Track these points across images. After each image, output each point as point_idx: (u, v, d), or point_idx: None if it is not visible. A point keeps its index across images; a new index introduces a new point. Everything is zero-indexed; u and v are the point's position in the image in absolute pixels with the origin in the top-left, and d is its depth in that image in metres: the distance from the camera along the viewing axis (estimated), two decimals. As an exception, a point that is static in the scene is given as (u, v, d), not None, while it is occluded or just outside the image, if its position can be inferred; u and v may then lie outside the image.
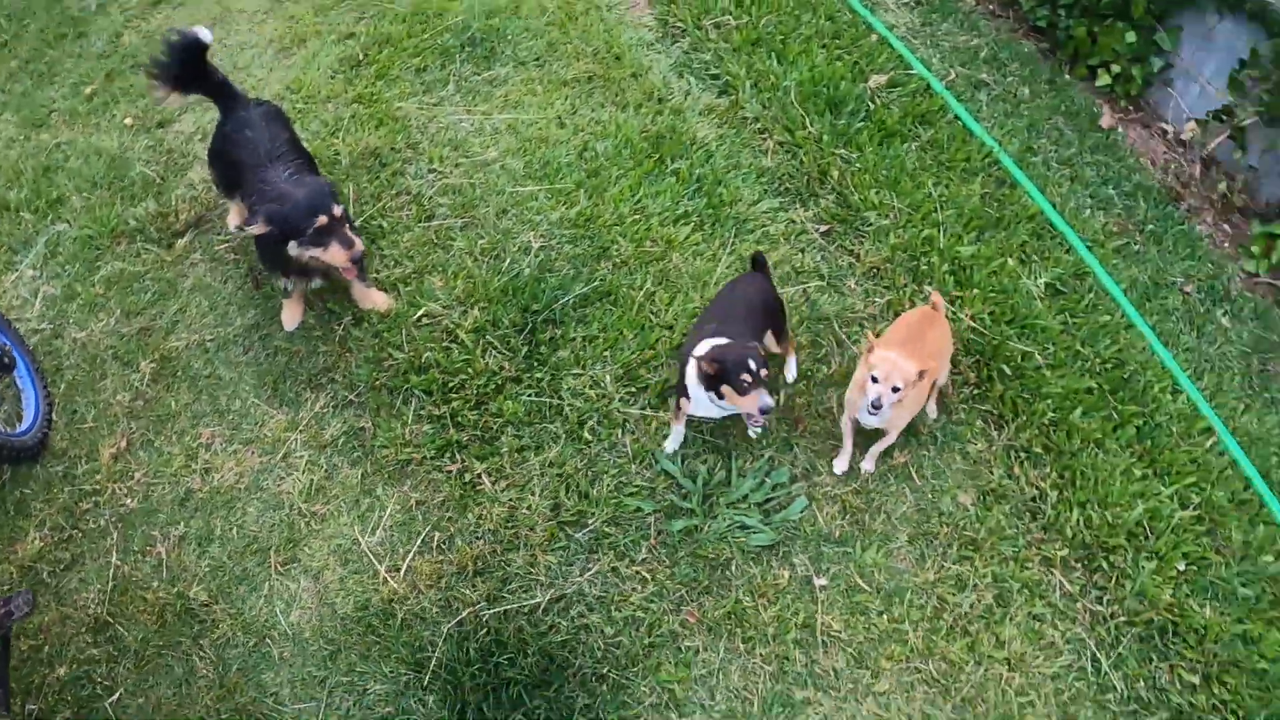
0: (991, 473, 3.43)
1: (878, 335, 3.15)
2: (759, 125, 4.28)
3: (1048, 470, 3.42)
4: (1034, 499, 3.38)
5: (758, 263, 3.40)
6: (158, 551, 3.46)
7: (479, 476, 3.42)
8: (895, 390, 2.96)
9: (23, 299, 4.19)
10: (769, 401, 2.94)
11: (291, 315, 3.82)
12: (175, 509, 3.53)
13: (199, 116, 4.64)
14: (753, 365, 2.89)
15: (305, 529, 3.44)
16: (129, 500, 3.56)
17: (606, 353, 3.61)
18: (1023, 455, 3.46)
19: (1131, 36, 4.37)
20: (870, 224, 3.98)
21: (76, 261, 4.22)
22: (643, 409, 3.51)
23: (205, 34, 3.61)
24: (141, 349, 3.89)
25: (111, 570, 3.44)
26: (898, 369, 2.95)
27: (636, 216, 3.93)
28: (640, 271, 3.80)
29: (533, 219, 3.94)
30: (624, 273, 3.79)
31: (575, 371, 3.58)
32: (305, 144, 4.09)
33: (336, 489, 3.49)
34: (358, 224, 3.96)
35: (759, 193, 4.06)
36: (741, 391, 2.92)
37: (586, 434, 3.45)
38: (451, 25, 4.71)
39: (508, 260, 3.83)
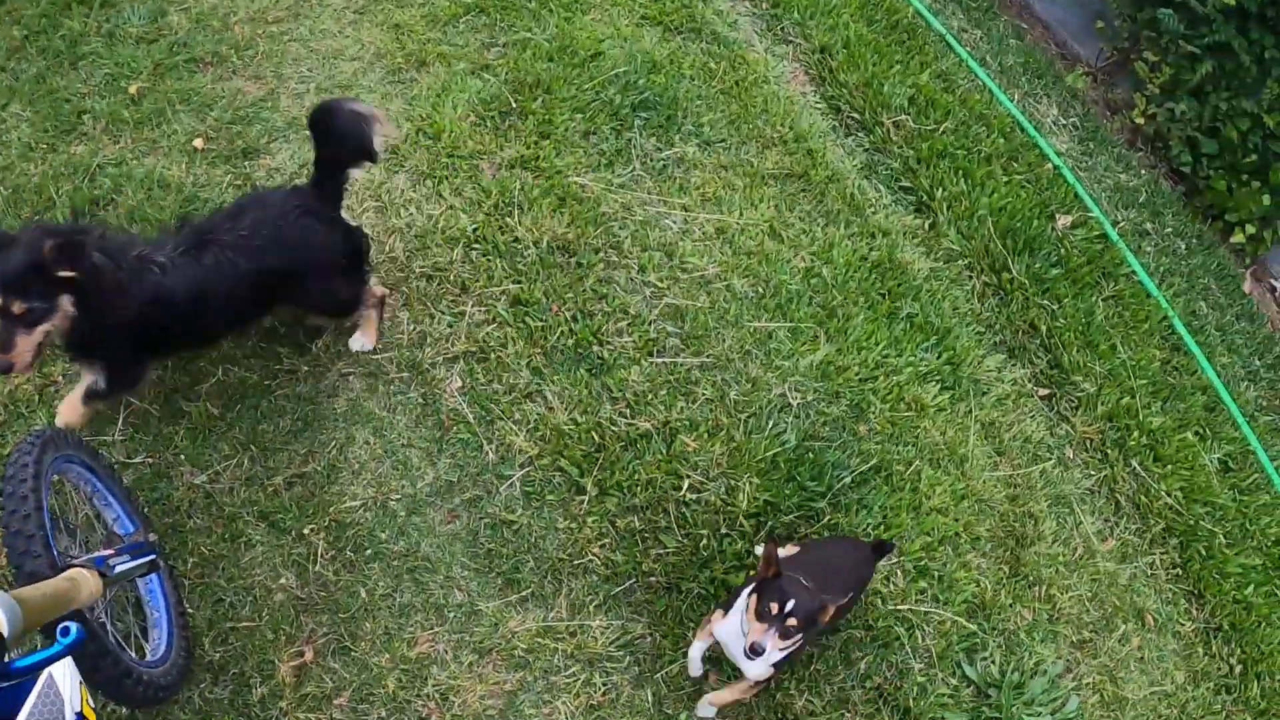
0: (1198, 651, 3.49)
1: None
2: (965, 261, 3.97)
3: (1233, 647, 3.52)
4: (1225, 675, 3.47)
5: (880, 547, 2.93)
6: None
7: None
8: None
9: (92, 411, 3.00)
10: (765, 643, 2.39)
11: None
12: (412, 750, 2.70)
13: (296, 148, 3.54)
14: (788, 606, 2.40)
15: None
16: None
17: (895, 543, 3.20)
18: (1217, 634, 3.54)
19: (1267, 200, 4.53)
20: (1080, 389, 3.84)
21: (166, 361, 3.08)
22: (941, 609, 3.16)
23: None
24: (300, 509, 2.92)
25: None
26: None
27: (884, 371, 3.51)
28: (900, 441, 3.41)
29: (781, 365, 3.39)
30: (888, 442, 3.38)
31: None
32: (459, 211, 3.28)
33: (623, 715, 2.83)
34: (565, 343, 3.24)
35: (984, 347, 3.78)
36: (758, 615, 2.45)
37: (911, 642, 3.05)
38: (612, 77, 3.91)
39: (767, 419, 3.27)
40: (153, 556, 2.51)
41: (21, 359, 2.35)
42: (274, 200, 2.79)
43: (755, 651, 2.40)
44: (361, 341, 3.16)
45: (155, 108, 3.63)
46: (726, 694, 2.79)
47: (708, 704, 2.81)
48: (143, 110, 3.63)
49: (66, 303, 2.35)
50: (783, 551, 2.75)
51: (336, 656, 2.76)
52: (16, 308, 2.26)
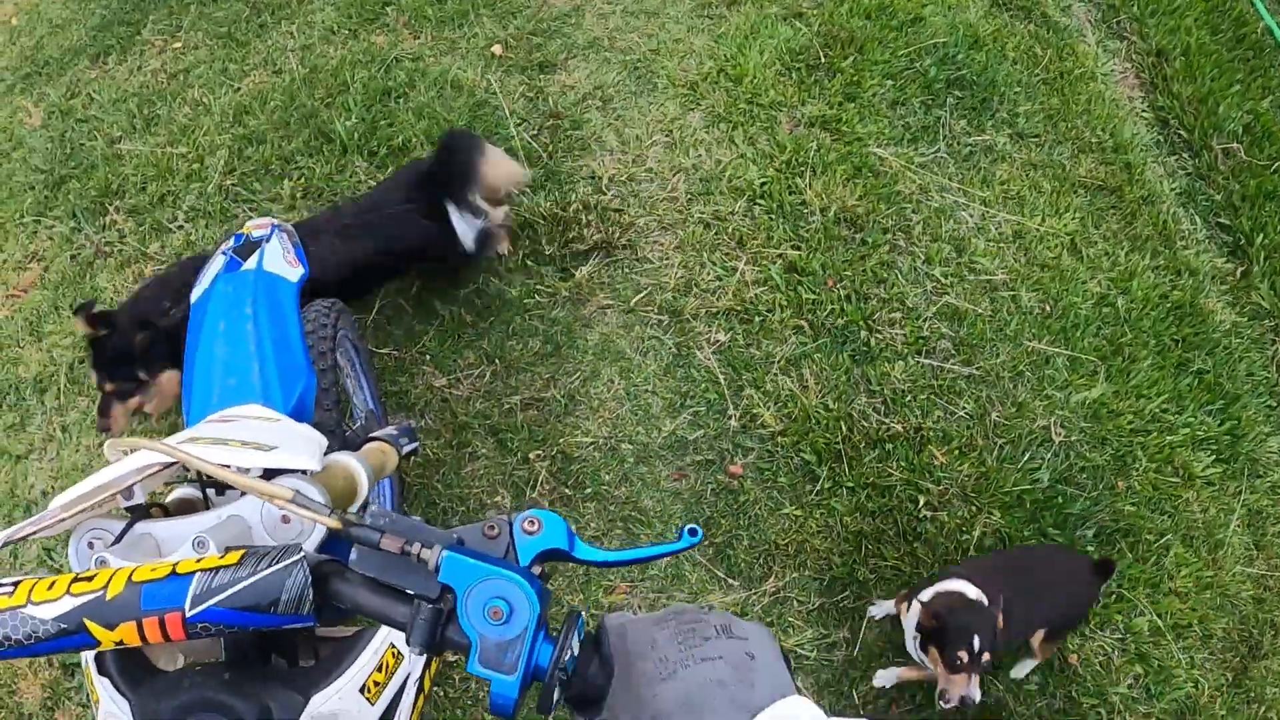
0: None
1: None
2: (1273, 323, 3.40)
3: None
4: None
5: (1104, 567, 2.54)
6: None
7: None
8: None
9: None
10: (974, 694, 2.14)
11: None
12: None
13: (594, 67, 3.29)
14: (976, 643, 2.11)
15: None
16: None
17: (1118, 615, 2.81)
18: None
19: None
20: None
21: (432, 259, 2.95)
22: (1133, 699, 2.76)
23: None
24: (530, 432, 2.75)
25: None
26: None
27: (1159, 427, 3.05)
28: (1158, 509, 2.96)
29: (1051, 395, 2.98)
30: (1144, 506, 2.95)
31: (1085, 631, 2.77)
32: (749, 162, 2.95)
33: None
34: (834, 322, 2.92)
35: (1271, 424, 3.24)
36: (950, 666, 2.16)
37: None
38: (930, 46, 3.47)
39: (1023, 451, 2.89)
40: (419, 443, 2.40)
41: (117, 425, 2.52)
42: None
43: (966, 704, 2.14)
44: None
45: (459, 9, 3.45)
46: (915, 674, 2.51)
47: (893, 675, 2.55)
48: (446, 10, 3.47)
49: (166, 378, 2.45)
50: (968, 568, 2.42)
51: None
52: (109, 387, 2.46)
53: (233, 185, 3.24)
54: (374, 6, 3.54)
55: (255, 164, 3.26)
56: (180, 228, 3.20)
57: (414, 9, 3.48)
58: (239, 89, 3.48)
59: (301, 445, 1.20)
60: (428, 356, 2.87)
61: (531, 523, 0.92)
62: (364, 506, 1.35)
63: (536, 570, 0.93)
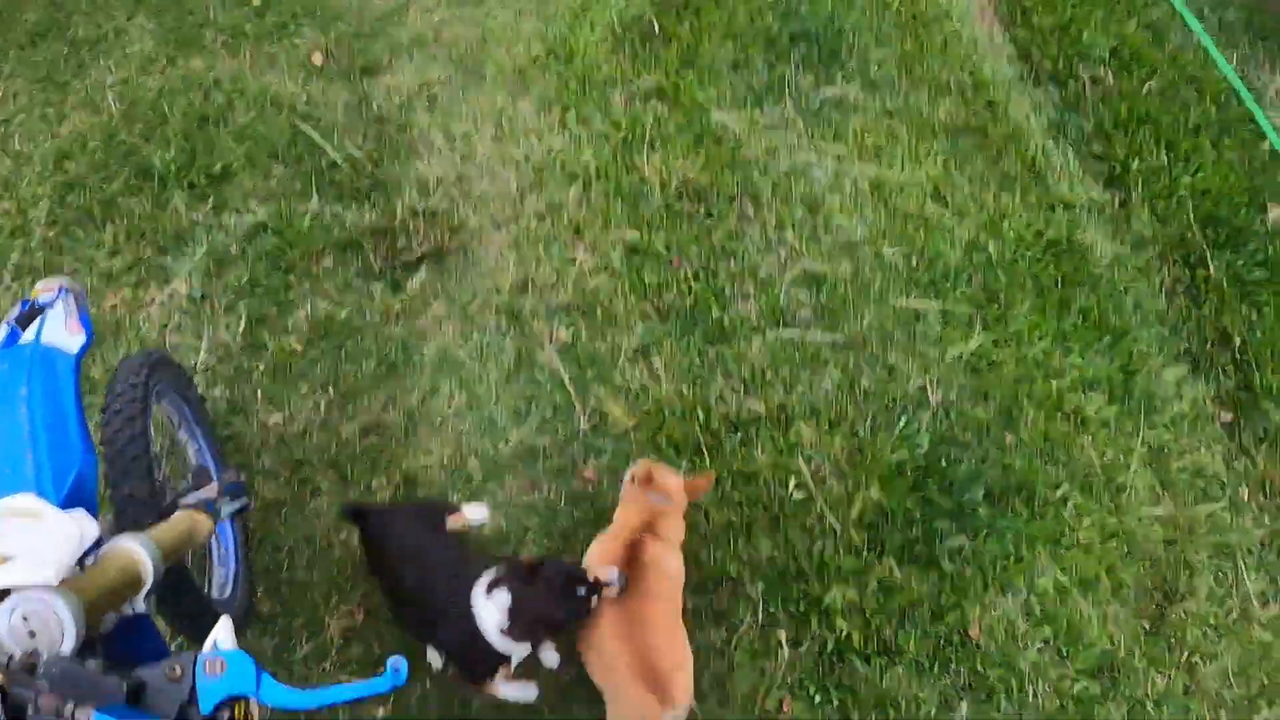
0: None
1: None
2: (1156, 250, 3.20)
3: None
4: None
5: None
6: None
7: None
8: None
9: (178, 337, 2.68)
10: None
11: None
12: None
13: (420, 64, 3.07)
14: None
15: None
16: (378, 709, 2.29)
17: (1020, 578, 2.60)
18: None
19: None
20: (1270, 419, 3.05)
21: (257, 288, 2.71)
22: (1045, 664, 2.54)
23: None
24: (372, 460, 2.52)
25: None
26: None
27: (1044, 372, 2.85)
28: (1052, 459, 2.75)
29: (925, 352, 2.77)
30: (1037, 458, 2.73)
31: (986, 599, 2.56)
32: (583, 144, 2.73)
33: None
34: (682, 304, 2.71)
35: (1165, 356, 3.04)
36: None
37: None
38: (771, 2, 3.26)
39: (899, 415, 2.68)
40: (246, 500, 2.18)
41: None
42: None
43: None
44: None
45: (278, 21, 3.26)
46: None
47: None
48: (264, 24, 3.27)
49: None
50: None
51: (389, 624, 2.35)
52: None
53: (56, 236, 2.99)
54: (191, 29, 3.30)
55: (77, 211, 3.02)
56: (8, 289, 2.96)
57: (232, 26, 3.25)
58: (59, 134, 3.24)
59: (48, 551, 1.18)
60: (260, 392, 2.64)
61: (215, 665, 0.91)
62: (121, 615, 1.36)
63: (226, 715, 0.92)
